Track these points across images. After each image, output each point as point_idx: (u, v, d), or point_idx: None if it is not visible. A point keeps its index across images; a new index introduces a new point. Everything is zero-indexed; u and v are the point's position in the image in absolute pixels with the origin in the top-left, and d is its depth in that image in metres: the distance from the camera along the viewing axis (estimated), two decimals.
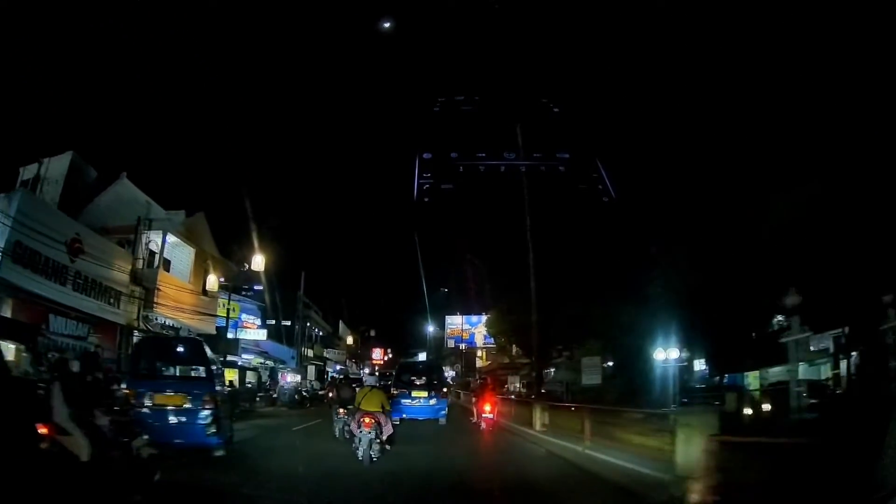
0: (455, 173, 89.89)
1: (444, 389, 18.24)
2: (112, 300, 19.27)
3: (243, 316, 32.12)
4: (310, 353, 39.71)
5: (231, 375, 18.43)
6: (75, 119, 29.32)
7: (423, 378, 17.97)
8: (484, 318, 56.36)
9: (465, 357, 48.20)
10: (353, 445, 8.77)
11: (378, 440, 8.82)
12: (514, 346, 43.67)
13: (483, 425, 16.06)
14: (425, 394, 16.94)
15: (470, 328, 57.24)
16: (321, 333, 49.75)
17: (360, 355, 63.22)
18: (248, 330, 28.76)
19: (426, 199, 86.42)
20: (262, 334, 29.43)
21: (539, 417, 13.45)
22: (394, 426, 10.16)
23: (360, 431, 8.60)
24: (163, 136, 41.99)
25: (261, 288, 36.53)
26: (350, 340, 52.96)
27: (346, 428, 10.40)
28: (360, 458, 8.48)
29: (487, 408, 16.17)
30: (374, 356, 68.47)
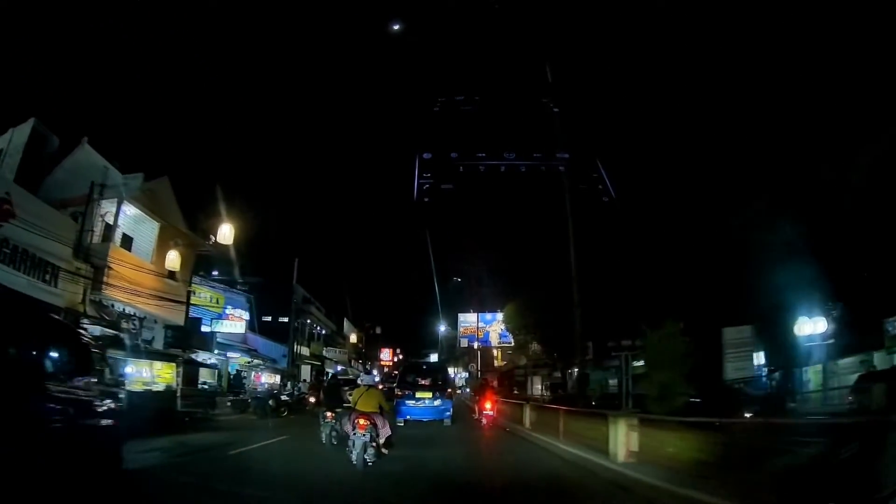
0: (455, 173, 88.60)
1: (449, 390, 17.85)
2: (48, 277, 15.68)
3: (228, 308, 28.48)
4: (305, 351, 35.97)
5: (167, 373, 14.38)
6: (43, 83, 25.95)
7: (428, 379, 17.62)
8: (499, 315, 52.63)
9: (481, 356, 43.75)
10: (347, 448, 8.13)
11: (373, 443, 8.11)
12: (533, 343, 39.67)
13: (484, 421, 17.62)
14: (430, 394, 16.58)
15: (484, 326, 53.26)
16: (324, 331, 46.03)
17: (366, 355, 59.10)
18: (225, 322, 24.88)
19: (426, 199, 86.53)
20: (240, 327, 25.41)
21: (623, 440, 8.18)
22: (396, 427, 9.69)
23: (354, 434, 7.96)
24: (148, 112, 38.62)
25: (255, 280, 33.03)
26: (354, 338, 48.46)
27: (334, 433, 9.86)
28: (354, 462, 7.86)
29: (488, 405, 17.93)
30: (382, 357, 64.82)
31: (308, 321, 40.94)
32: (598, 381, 32.75)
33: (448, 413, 16.44)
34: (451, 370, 71.34)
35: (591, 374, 33.99)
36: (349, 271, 71.20)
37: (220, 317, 27.83)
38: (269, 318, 38.50)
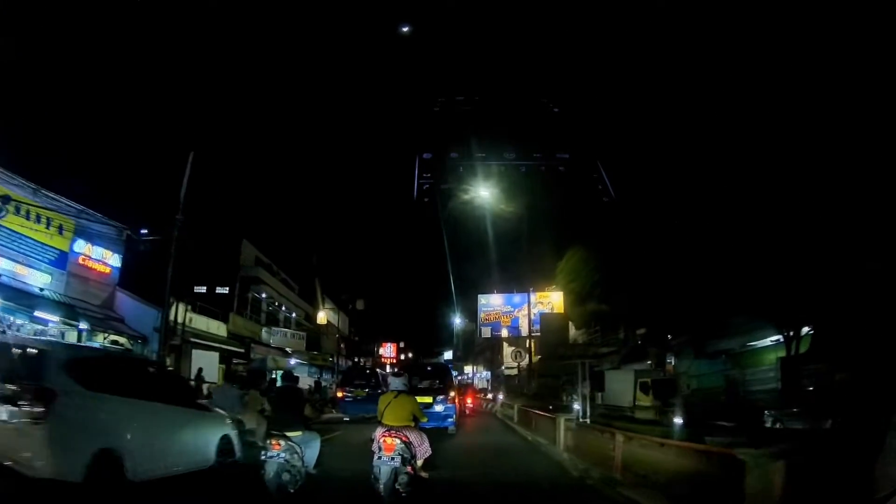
0: (456, 173, 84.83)
1: (452, 393, 15.83)
2: None
3: (81, 244, 16.46)
4: (215, 327, 21.60)
5: None
6: None
7: (428, 381, 16.08)
8: (532, 296, 40.36)
9: (546, 330, 28.90)
10: (372, 477, 6.14)
11: (408, 467, 6.21)
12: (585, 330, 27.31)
13: (467, 411, 21.78)
14: (430, 399, 14.70)
15: (512, 310, 40.72)
16: (293, 315, 33.84)
17: (356, 346, 46.24)
18: None
19: (426, 199, 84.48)
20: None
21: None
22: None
23: (380, 458, 6.10)
24: None
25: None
26: (322, 317, 33.99)
27: (287, 475, 6.36)
28: (381, 494, 6.01)
29: (469, 401, 24.74)
30: (383, 352, 52.54)
31: (263, 294, 28.75)
32: (706, 374, 20.39)
33: (451, 419, 14.74)
34: (468, 369, 60.34)
35: (688, 366, 21.71)
36: (346, 255, 59.77)
37: (65, 257, 15.89)
38: (204, 289, 26.69)
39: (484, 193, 46.56)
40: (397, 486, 6.13)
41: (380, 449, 6.14)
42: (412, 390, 14.32)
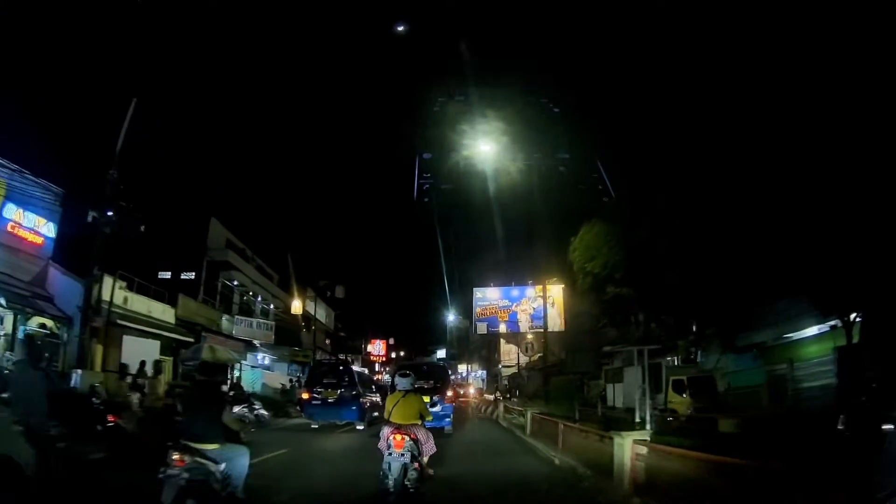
0: (456, 172, 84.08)
1: (450, 393, 16.17)
2: None
3: (10, 207, 13.56)
4: (162, 311, 18.39)
5: None
6: None
7: (425, 381, 15.29)
8: (529, 290, 37.91)
9: (573, 319, 24.93)
10: (381, 473, 6.45)
11: (416, 464, 6.50)
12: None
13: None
14: (428, 399, 13.09)
15: (510, 305, 38.23)
16: (272, 306, 30.93)
17: (342, 342, 43.33)
18: None
19: (426, 199, 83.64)
20: None
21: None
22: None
23: (390, 455, 6.44)
24: None
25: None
26: (297, 306, 29.86)
27: (189, 499, 5.19)
28: (391, 490, 6.28)
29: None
30: (372, 350, 49.64)
31: (235, 282, 25.88)
32: (735, 370, 18.09)
33: (448, 419, 15.01)
34: (462, 367, 57.80)
35: (715, 362, 19.44)
36: (334, 245, 56.77)
37: None
38: (168, 275, 23.81)
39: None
40: (406, 482, 6.36)
41: (390, 446, 6.38)
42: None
